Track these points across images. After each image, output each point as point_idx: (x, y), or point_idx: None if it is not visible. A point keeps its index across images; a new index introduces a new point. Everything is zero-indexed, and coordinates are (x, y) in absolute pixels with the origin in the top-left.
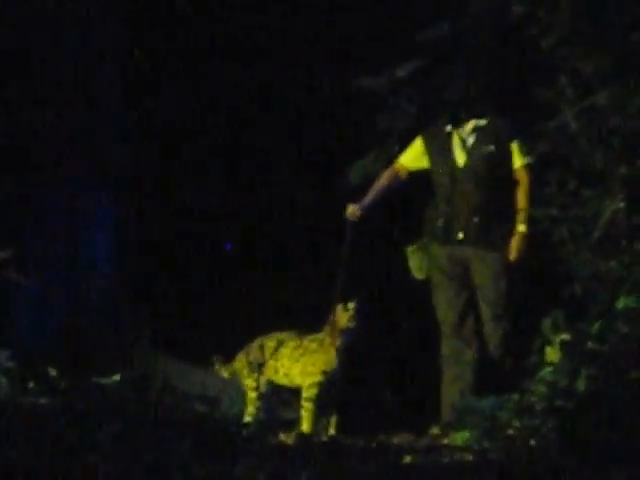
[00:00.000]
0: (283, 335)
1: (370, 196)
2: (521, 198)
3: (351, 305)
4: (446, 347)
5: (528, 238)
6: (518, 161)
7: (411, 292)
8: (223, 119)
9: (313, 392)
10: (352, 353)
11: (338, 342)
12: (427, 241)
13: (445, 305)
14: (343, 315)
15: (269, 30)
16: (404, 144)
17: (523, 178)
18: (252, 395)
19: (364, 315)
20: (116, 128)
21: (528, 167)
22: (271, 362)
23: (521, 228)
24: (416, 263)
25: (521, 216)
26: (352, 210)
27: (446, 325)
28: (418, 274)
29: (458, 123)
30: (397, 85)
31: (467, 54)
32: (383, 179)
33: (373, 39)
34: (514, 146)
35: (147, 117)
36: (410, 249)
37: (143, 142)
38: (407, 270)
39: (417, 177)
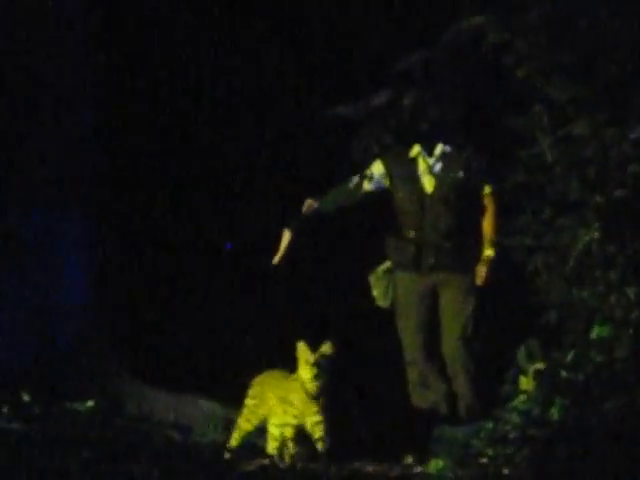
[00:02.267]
0: (271, 375)
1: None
2: (487, 224)
3: (326, 349)
4: (413, 374)
5: (493, 262)
6: (486, 188)
7: (377, 319)
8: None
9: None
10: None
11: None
12: (393, 269)
13: (413, 331)
14: (307, 354)
15: (245, 58)
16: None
17: (490, 204)
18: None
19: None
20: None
21: (494, 194)
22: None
23: (488, 252)
24: (380, 291)
25: (488, 241)
26: (310, 203)
27: (414, 352)
28: (382, 302)
29: (430, 150)
30: (372, 113)
31: (442, 83)
32: (345, 183)
33: (348, 68)
34: (482, 173)
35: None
36: (374, 276)
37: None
38: (371, 298)
39: (374, 202)
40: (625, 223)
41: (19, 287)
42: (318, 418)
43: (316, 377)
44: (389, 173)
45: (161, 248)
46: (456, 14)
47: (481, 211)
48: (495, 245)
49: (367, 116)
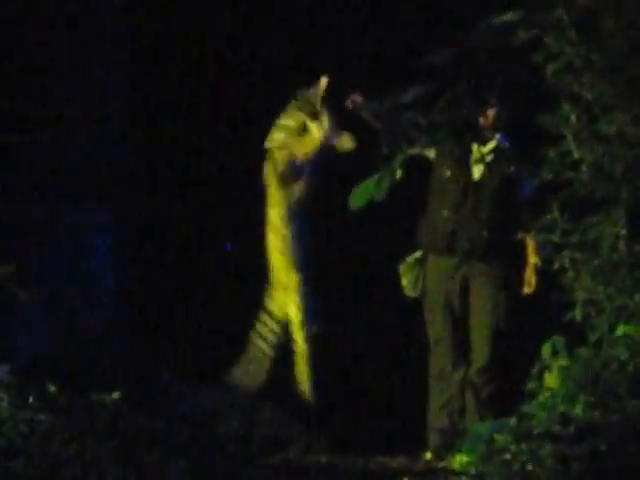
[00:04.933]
0: None
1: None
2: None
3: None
4: (436, 367)
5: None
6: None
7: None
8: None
9: None
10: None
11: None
12: (425, 254)
13: (440, 322)
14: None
15: (269, 50)
16: (407, 168)
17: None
18: None
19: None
20: (117, 143)
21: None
22: None
23: (535, 259)
24: (410, 280)
25: (535, 248)
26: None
27: (440, 344)
28: (411, 291)
29: (481, 141)
30: (400, 110)
31: (471, 80)
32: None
33: (377, 64)
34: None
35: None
36: (404, 265)
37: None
38: (399, 287)
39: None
40: None
41: (46, 276)
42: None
43: None
44: (442, 152)
45: (189, 235)
46: (486, 11)
47: (520, 206)
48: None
49: (395, 113)
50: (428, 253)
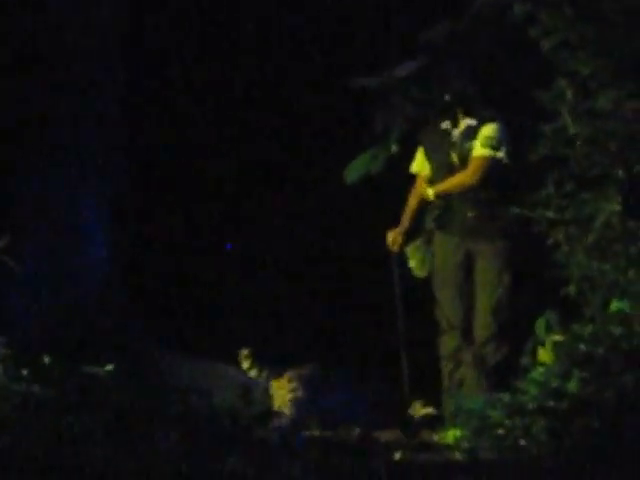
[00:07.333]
0: None
1: (406, 218)
2: (453, 177)
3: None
4: (447, 346)
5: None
6: (478, 149)
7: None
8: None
9: None
10: None
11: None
12: (430, 232)
13: (450, 299)
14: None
15: (269, 27)
16: (402, 143)
17: (470, 165)
18: None
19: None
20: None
21: (483, 159)
22: None
23: (429, 191)
24: (418, 261)
25: (438, 185)
26: (393, 237)
27: (450, 320)
28: (420, 272)
29: (455, 121)
30: (396, 84)
31: (466, 54)
32: (413, 197)
33: (373, 38)
34: (484, 135)
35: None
36: (411, 247)
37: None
38: (408, 271)
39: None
40: None
41: (38, 250)
42: None
43: None
44: (424, 150)
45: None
46: None
47: (502, 182)
48: (439, 193)
49: (391, 87)
50: (433, 230)
